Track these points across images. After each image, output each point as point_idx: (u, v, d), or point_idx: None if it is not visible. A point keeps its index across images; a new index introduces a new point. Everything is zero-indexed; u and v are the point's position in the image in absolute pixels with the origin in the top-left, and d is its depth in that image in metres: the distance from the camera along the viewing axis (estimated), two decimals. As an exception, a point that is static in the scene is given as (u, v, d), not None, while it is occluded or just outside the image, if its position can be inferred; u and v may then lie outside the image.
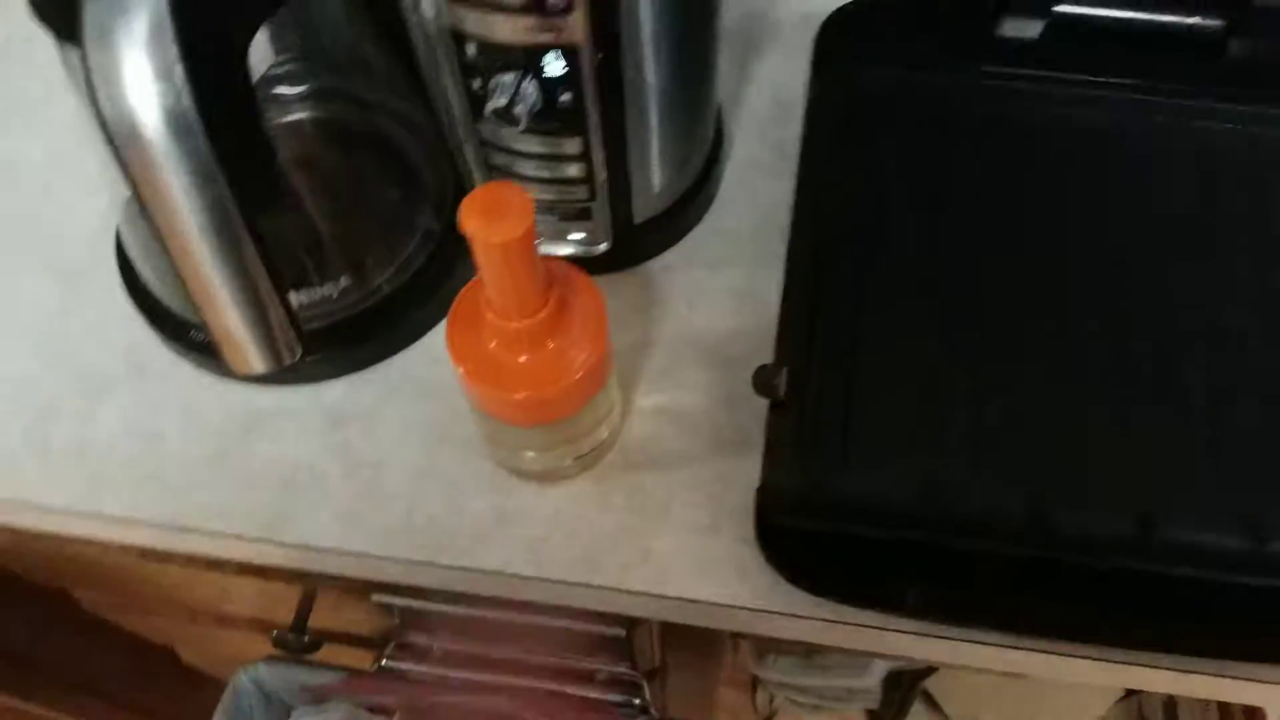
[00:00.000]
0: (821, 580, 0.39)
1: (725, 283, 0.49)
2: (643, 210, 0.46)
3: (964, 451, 0.39)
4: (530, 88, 0.38)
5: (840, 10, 0.49)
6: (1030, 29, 0.46)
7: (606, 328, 0.39)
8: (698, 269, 0.49)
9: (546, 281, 0.36)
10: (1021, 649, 0.41)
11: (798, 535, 0.40)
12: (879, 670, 0.95)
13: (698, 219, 0.50)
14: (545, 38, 0.37)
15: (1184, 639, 0.38)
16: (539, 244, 0.46)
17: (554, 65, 0.38)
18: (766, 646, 0.84)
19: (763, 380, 0.40)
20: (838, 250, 0.43)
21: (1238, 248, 0.42)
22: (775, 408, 0.40)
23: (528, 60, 0.37)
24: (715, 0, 0.42)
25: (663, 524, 0.43)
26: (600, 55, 0.37)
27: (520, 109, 0.38)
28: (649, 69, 0.40)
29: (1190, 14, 0.45)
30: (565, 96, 0.39)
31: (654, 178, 0.45)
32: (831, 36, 0.47)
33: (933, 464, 0.39)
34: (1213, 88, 0.45)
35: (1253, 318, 0.41)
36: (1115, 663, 0.41)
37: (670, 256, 0.50)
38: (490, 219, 0.32)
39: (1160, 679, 0.41)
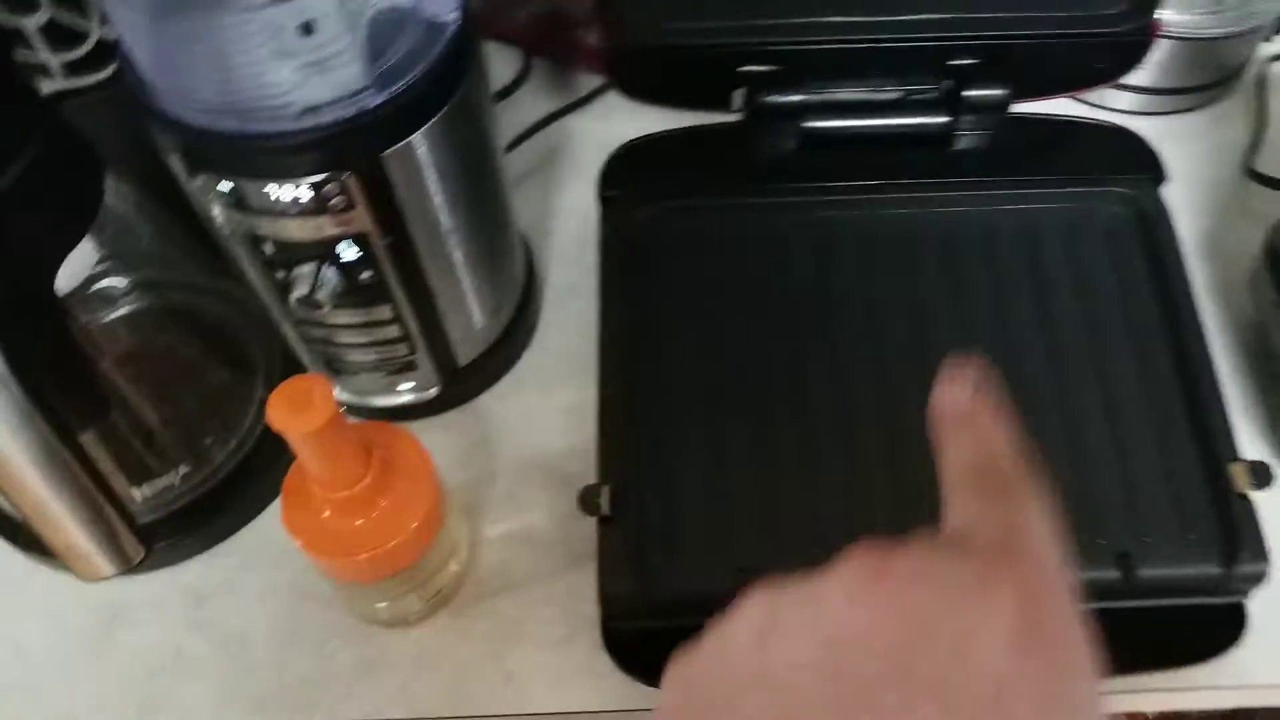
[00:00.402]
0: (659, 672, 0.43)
1: (557, 403, 0.53)
2: (466, 352, 0.50)
3: (767, 539, 0.44)
4: (330, 274, 0.42)
5: (621, 148, 0.54)
6: (784, 147, 0.53)
7: (433, 476, 0.43)
8: (529, 394, 0.54)
9: (364, 448, 0.40)
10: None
11: (638, 636, 0.44)
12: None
13: (524, 347, 0.54)
14: (335, 231, 0.41)
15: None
16: (365, 402, 0.50)
17: (349, 251, 0.42)
18: None
19: (586, 499, 0.44)
20: (638, 374, 0.47)
21: (986, 319, 0.49)
22: (604, 522, 0.44)
23: (322, 251, 0.41)
24: (491, 170, 0.46)
25: (520, 644, 0.47)
26: (388, 239, 0.42)
27: (323, 294, 0.42)
28: (441, 238, 0.44)
29: (915, 116, 0.52)
30: (365, 275, 0.43)
31: (471, 323, 0.50)
32: (614, 173, 0.53)
33: (741, 553, 0.43)
34: (948, 176, 0.52)
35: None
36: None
37: (503, 387, 0.54)
38: (295, 411, 0.36)
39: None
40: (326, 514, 0.41)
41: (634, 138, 0.54)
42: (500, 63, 0.64)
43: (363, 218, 0.40)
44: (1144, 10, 0.50)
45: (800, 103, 0.51)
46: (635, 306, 0.49)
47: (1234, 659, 0.46)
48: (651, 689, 0.44)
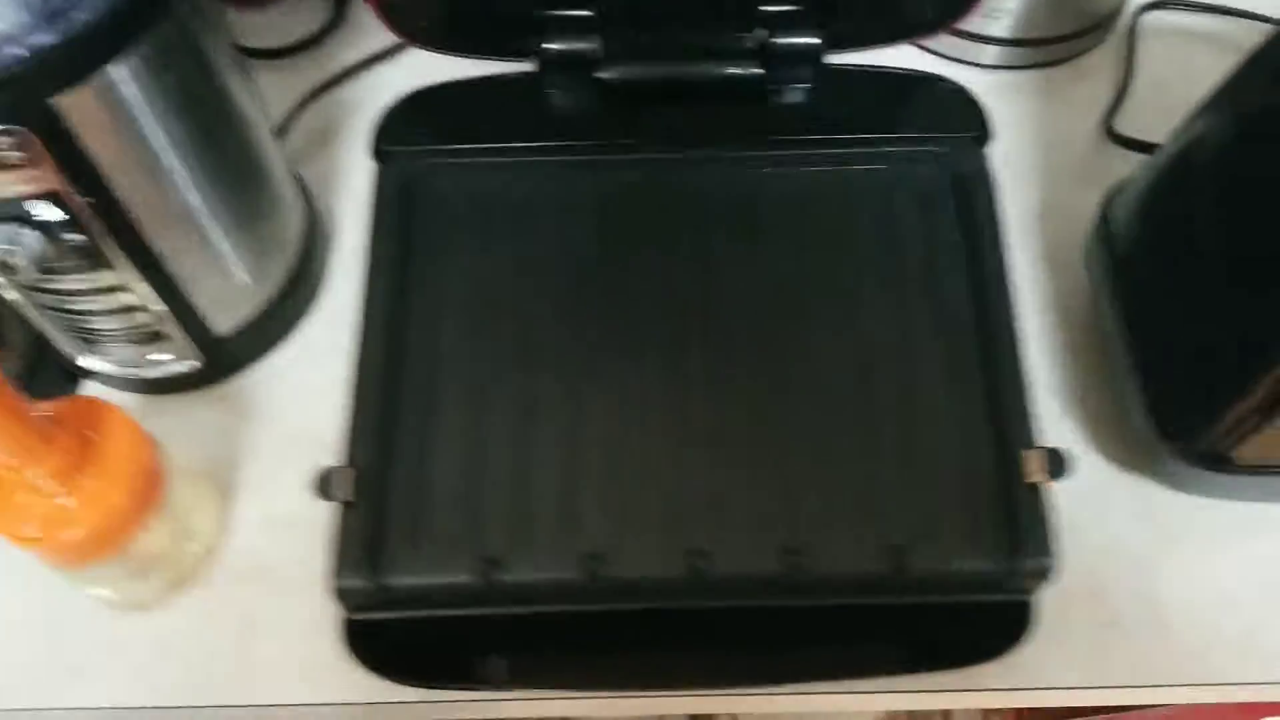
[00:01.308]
0: (401, 668, 0.41)
1: (334, 375, 0.49)
2: (226, 322, 0.47)
3: (518, 529, 0.41)
4: (29, 237, 0.39)
5: (402, 99, 0.50)
6: (581, 100, 0.49)
7: (148, 453, 0.40)
8: (305, 367, 0.51)
9: (52, 424, 0.37)
10: (627, 698, 0.44)
11: (379, 629, 0.42)
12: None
13: (302, 315, 0.51)
14: (21, 189, 0.38)
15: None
16: (128, 374, 0.47)
17: (49, 212, 0.39)
18: None
19: (322, 483, 0.42)
20: (403, 347, 0.44)
21: (781, 288, 0.46)
22: (347, 507, 0.42)
23: (13, 212, 0.38)
24: (234, 119, 0.43)
25: (266, 632, 0.44)
26: (89, 198, 0.38)
27: (21, 258, 0.39)
28: (166, 195, 0.41)
29: (722, 67, 0.48)
30: (73, 238, 0.40)
31: (227, 287, 0.46)
32: (393, 126, 0.49)
33: (490, 544, 0.41)
34: (759, 133, 0.49)
35: (819, 350, 0.45)
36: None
37: (276, 358, 0.51)
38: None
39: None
40: (19, 496, 0.38)
41: (416, 88, 0.50)
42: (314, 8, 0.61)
43: (50, 174, 0.37)
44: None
45: (591, 51, 0.47)
46: (405, 272, 0.46)
47: (1025, 658, 0.44)
48: (395, 684, 0.42)
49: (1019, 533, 0.41)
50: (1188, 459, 0.43)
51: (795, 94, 0.49)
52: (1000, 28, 0.57)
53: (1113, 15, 0.60)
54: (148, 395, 0.50)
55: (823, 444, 0.43)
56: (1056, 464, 0.42)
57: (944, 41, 0.59)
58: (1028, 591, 0.42)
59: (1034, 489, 0.42)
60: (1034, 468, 0.42)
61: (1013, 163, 0.56)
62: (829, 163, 0.48)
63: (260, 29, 0.61)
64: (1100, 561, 0.46)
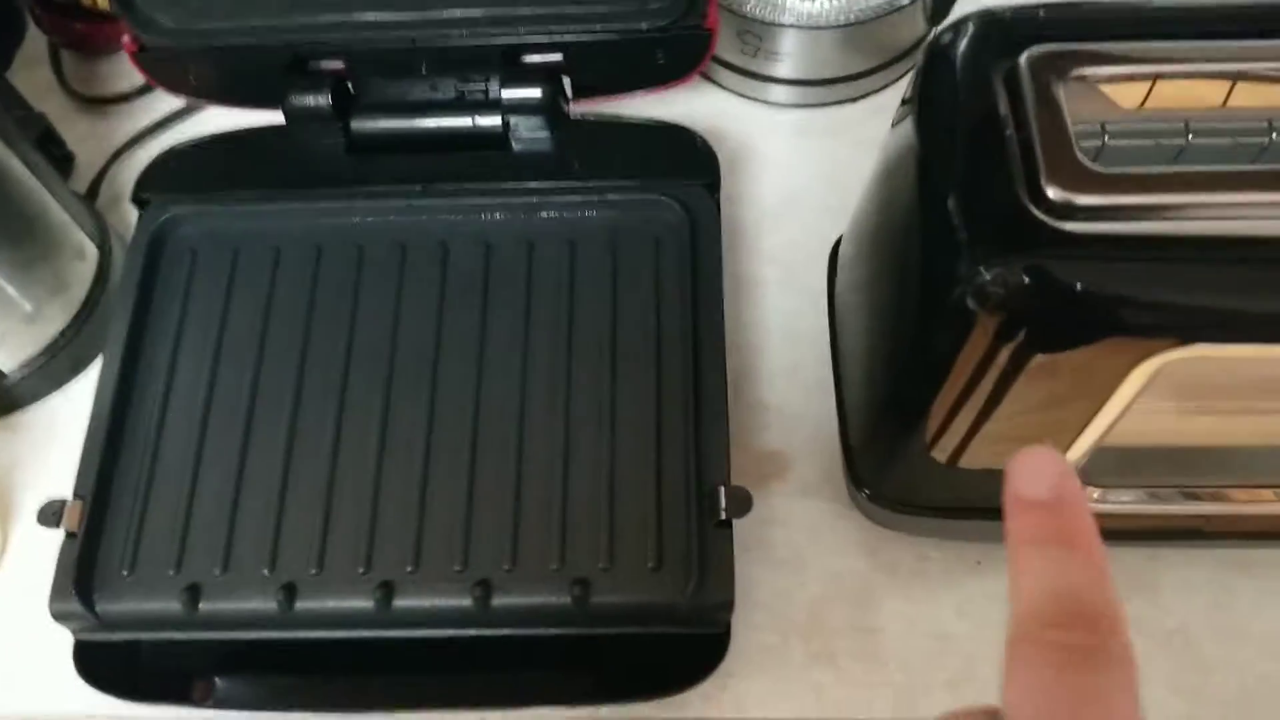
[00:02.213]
0: (123, 685, 0.45)
1: None
2: (11, 357, 0.51)
3: (221, 556, 0.44)
4: None
5: (162, 154, 0.54)
6: (330, 148, 0.52)
7: None
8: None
9: None
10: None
11: (101, 649, 0.45)
12: None
13: (94, 353, 0.55)
14: None
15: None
16: None
17: None
18: None
19: (46, 514, 0.45)
20: (138, 383, 0.48)
21: (506, 330, 0.48)
22: (69, 536, 0.45)
23: None
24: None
25: (29, 647, 0.48)
26: None
27: None
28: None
29: (459, 117, 0.51)
30: None
31: (7, 329, 0.50)
32: (153, 177, 0.53)
33: (196, 571, 0.44)
34: (499, 180, 0.51)
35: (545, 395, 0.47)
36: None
37: (74, 389, 0.55)
38: None
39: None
40: None
41: (177, 144, 0.54)
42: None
43: None
44: (693, 6, 0.48)
45: (330, 106, 0.50)
46: (151, 312, 0.49)
47: (735, 690, 0.46)
48: (123, 702, 0.45)
49: (701, 567, 0.43)
50: (876, 502, 0.45)
51: (536, 143, 0.52)
52: (785, 69, 0.59)
53: (913, 48, 0.61)
54: (-54, 423, 0.54)
55: (524, 479, 0.45)
56: (741, 503, 0.44)
57: (736, 80, 0.61)
58: (714, 624, 0.44)
59: (722, 525, 0.44)
60: (723, 505, 0.44)
61: (795, 200, 0.58)
62: (564, 209, 0.50)
63: (103, 77, 0.66)
64: (823, 597, 0.48)
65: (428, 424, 0.46)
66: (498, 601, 0.43)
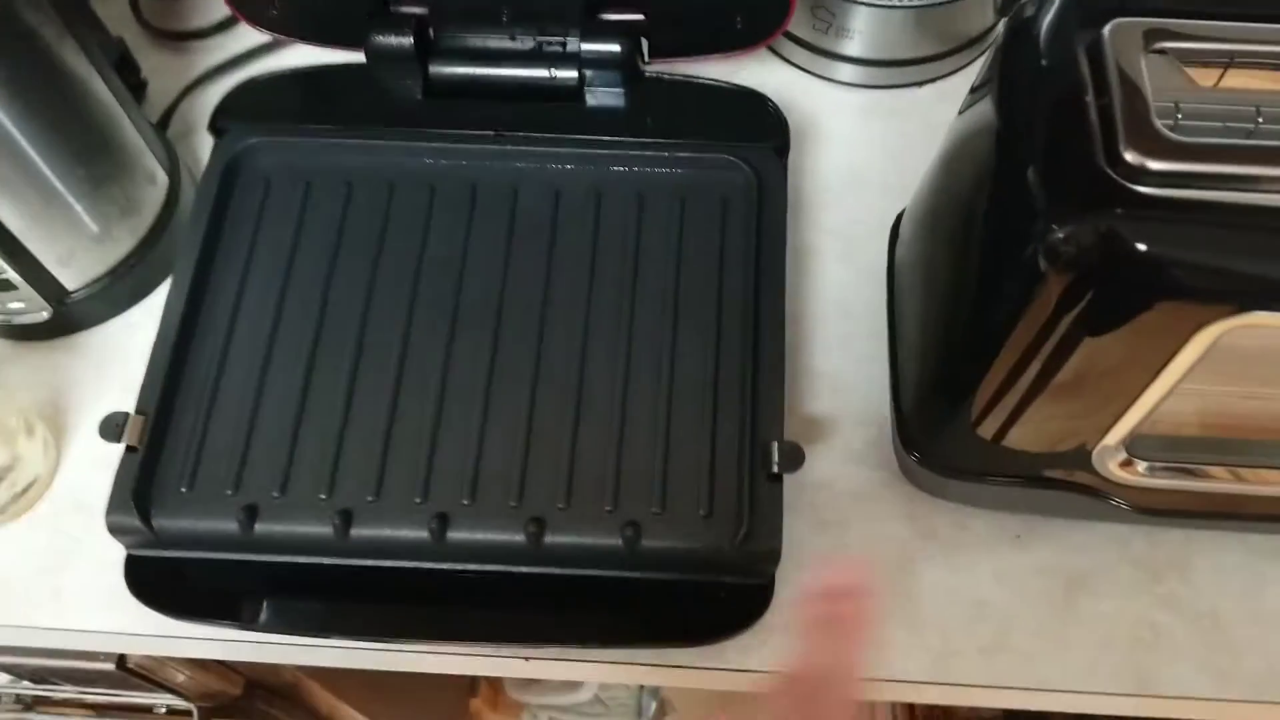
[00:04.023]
0: (172, 603, 0.46)
1: None
2: (78, 276, 0.54)
3: (279, 479, 0.46)
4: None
5: (241, 83, 0.57)
6: (409, 91, 0.54)
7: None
8: (154, 325, 0.57)
9: None
10: (375, 649, 0.48)
11: (152, 565, 0.47)
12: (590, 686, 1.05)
13: (159, 278, 0.57)
14: None
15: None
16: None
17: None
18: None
19: (109, 426, 0.47)
20: (208, 306, 0.50)
21: (572, 279, 0.50)
22: (129, 450, 0.47)
23: None
24: (69, 84, 0.48)
25: (77, 563, 0.50)
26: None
27: None
28: (7, 161, 0.47)
29: (538, 68, 0.54)
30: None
31: (72, 248, 0.53)
32: (232, 107, 0.55)
33: (255, 492, 0.46)
34: (572, 132, 0.53)
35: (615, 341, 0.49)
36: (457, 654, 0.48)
37: (136, 313, 0.57)
38: None
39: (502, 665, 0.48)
40: None
41: (257, 75, 0.56)
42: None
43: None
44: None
45: (411, 48, 0.53)
46: (222, 238, 0.51)
47: (774, 642, 0.48)
48: (168, 619, 0.47)
49: (751, 517, 0.45)
50: (925, 465, 0.46)
51: (610, 98, 0.54)
52: (855, 47, 0.61)
53: (980, 38, 0.63)
54: (10, 340, 0.57)
55: (581, 422, 0.47)
56: (793, 458, 0.46)
57: (806, 56, 0.63)
58: (760, 575, 0.46)
59: (774, 479, 0.46)
60: (776, 459, 0.46)
61: (857, 177, 0.60)
62: (634, 164, 0.52)
63: (177, 12, 0.68)
64: (867, 558, 0.50)
65: (489, 362, 0.48)
66: (550, 539, 0.45)
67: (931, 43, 0.61)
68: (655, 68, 0.55)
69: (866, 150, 0.61)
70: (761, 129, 0.53)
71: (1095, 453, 0.42)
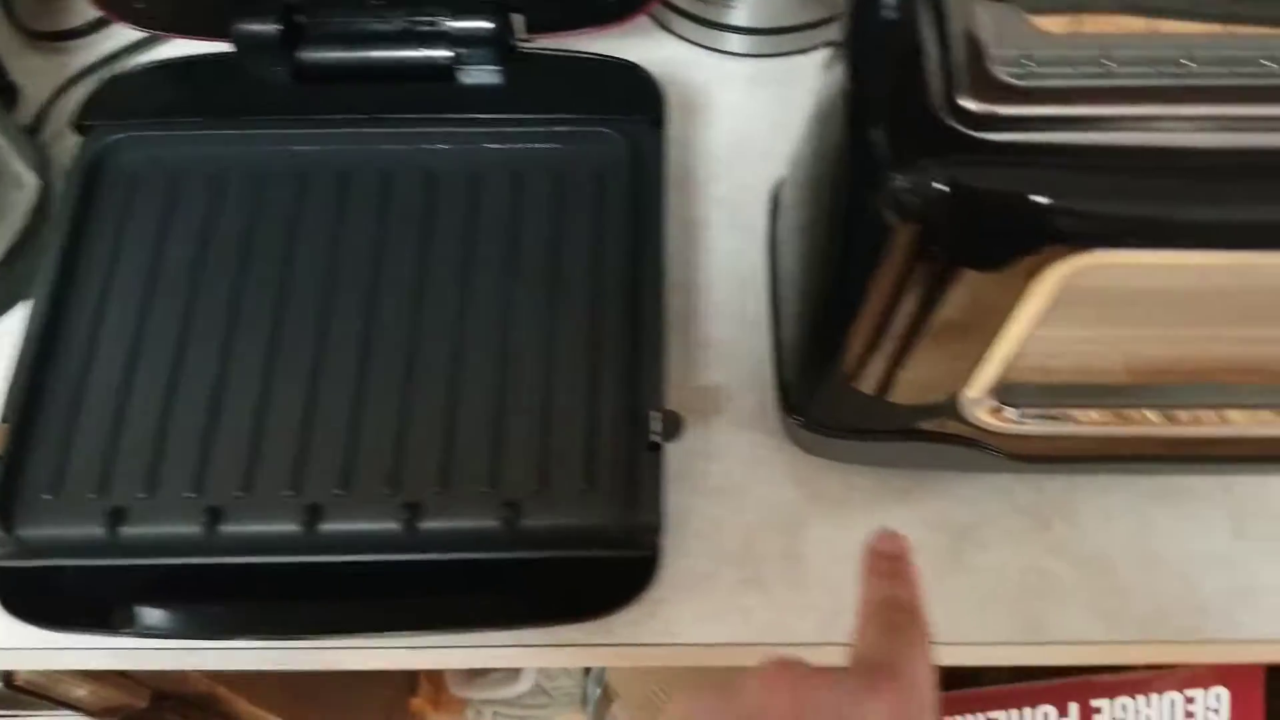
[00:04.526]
0: (48, 615, 0.45)
1: None
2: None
3: (145, 479, 0.45)
4: None
5: (107, 79, 0.55)
6: (278, 78, 0.53)
7: None
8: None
9: None
10: (253, 649, 0.47)
11: (21, 577, 0.45)
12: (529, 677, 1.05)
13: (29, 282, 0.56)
14: None
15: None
16: None
17: None
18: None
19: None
20: (77, 308, 0.49)
21: (448, 261, 0.49)
22: (-9, 459, 0.46)
23: None
24: None
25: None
26: None
27: None
28: None
29: (418, 47, 0.53)
30: None
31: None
32: (94, 106, 0.54)
33: (120, 494, 0.45)
34: (445, 112, 0.52)
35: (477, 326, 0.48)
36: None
37: (9, 321, 0.55)
38: None
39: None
40: None
41: (121, 70, 0.55)
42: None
43: None
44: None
45: (280, 32, 0.51)
46: (87, 238, 0.50)
47: (661, 615, 0.48)
48: (39, 629, 0.46)
49: (631, 490, 0.44)
50: (809, 428, 0.47)
51: (483, 76, 0.53)
52: (740, 17, 0.61)
53: (861, 4, 0.63)
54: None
55: (459, 405, 0.46)
56: (673, 426, 0.46)
57: (692, 28, 0.63)
58: (642, 546, 0.45)
59: (653, 448, 0.45)
60: (654, 429, 0.46)
61: (745, 146, 0.60)
62: (509, 140, 0.52)
63: (53, 13, 0.66)
64: (754, 525, 0.49)
65: (362, 349, 0.47)
66: (427, 525, 0.44)
67: (814, 8, 0.61)
68: (536, 44, 0.55)
69: (754, 120, 0.61)
70: (637, 101, 0.53)
71: (965, 402, 0.42)
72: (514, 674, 1.06)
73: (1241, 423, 0.42)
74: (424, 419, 0.46)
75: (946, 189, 0.34)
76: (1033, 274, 0.35)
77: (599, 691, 1.13)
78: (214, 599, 0.46)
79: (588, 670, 1.11)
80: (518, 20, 0.53)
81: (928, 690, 0.33)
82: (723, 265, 0.56)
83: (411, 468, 0.45)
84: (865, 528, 0.50)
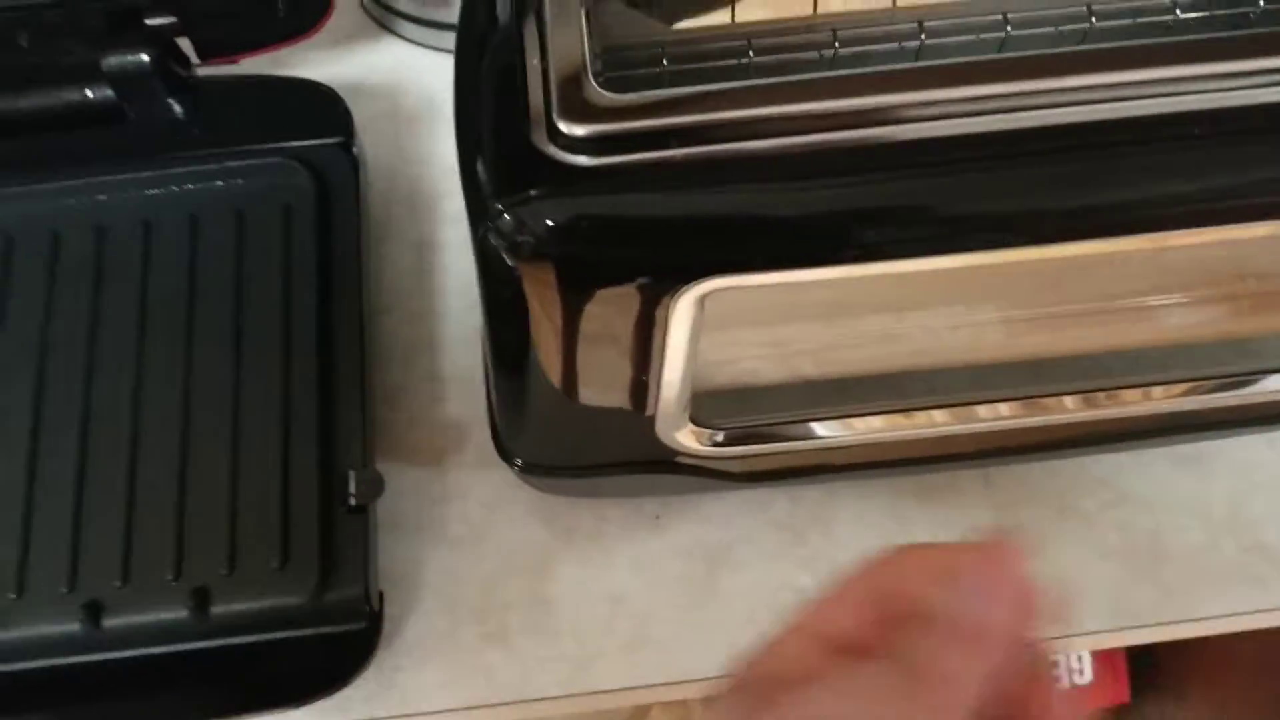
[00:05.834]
0: None
1: None
2: None
3: None
4: None
5: None
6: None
7: None
8: None
9: None
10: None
11: None
12: None
13: None
14: None
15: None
16: None
17: None
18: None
19: None
20: None
21: (121, 320, 0.45)
22: None
23: None
24: None
25: None
26: None
27: None
28: None
29: (78, 88, 0.48)
30: None
31: None
32: None
33: None
34: (113, 158, 0.48)
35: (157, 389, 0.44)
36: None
37: None
38: None
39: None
40: None
41: None
42: None
43: None
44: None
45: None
46: None
47: (400, 684, 0.44)
48: None
49: (330, 561, 0.41)
50: (528, 472, 0.43)
51: (154, 111, 0.48)
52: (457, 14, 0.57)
53: None
54: None
55: (137, 486, 0.42)
56: (373, 486, 0.42)
57: (415, 30, 0.58)
58: (353, 619, 0.42)
59: (355, 512, 0.42)
60: (353, 490, 0.42)
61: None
62: (183, 181, 0.47)
63: None
64: (496, 572, 0.46)
65: (31, 438, 0.43)
66: (110, 622, 0.41)
67: None
68: (216, 70, 0.50)
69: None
70: (322, 123, 0.48)
71: (663, 431, 0.39)
72: None
73: (943, 421, 0.40)
74: (101, 506, 0.42)
75: (550, 223, 0.30)
76: (661, 298, 0.32)
77: None
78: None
79: None
80: (187, 46, 0.48)
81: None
82: (462, 289, 0.52)
83: (89, 562, 0.41)
84: (617, 563, 0.47)
